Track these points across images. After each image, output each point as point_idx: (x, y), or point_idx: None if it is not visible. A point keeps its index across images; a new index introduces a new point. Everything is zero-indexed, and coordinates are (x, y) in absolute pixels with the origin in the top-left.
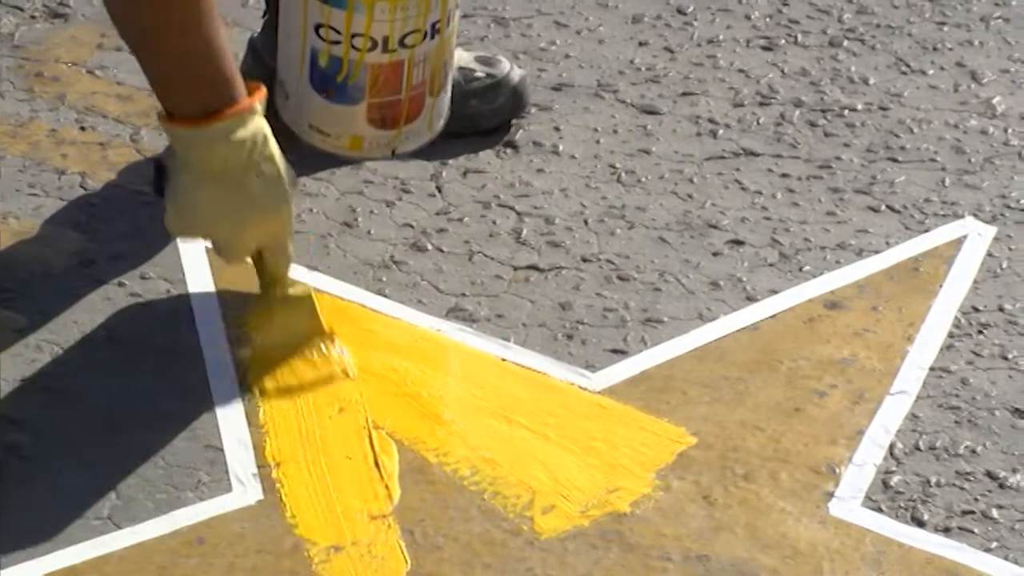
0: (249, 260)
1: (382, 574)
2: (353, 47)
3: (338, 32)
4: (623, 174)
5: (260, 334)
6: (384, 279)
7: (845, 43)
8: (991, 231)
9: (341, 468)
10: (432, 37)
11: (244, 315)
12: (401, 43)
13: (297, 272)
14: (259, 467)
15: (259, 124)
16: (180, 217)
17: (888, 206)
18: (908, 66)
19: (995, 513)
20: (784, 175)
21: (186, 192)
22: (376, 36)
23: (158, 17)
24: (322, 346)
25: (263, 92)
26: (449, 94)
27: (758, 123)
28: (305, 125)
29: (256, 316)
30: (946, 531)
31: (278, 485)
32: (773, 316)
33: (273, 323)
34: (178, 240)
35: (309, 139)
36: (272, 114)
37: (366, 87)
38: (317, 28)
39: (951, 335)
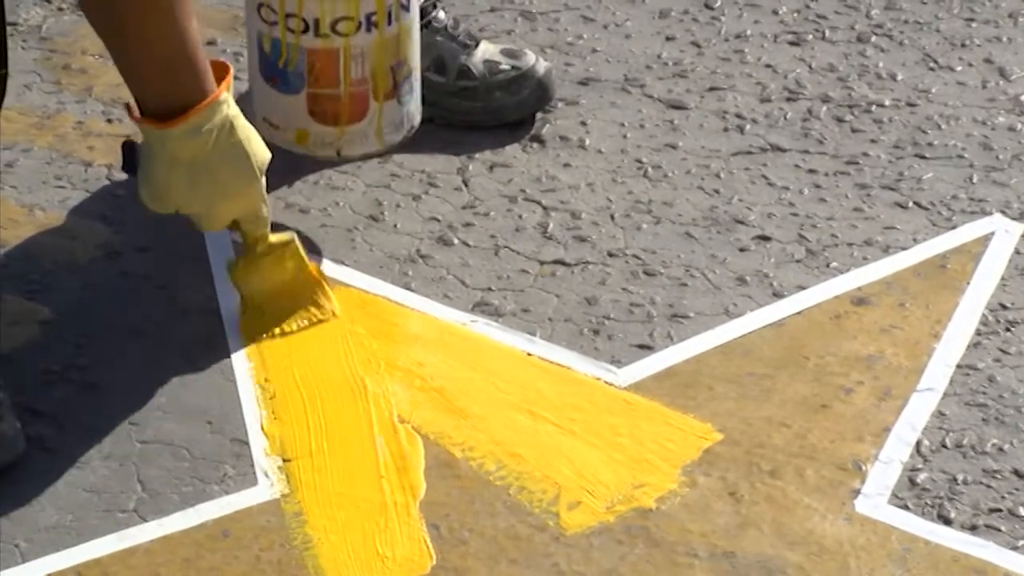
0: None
1: (407, 569)
2: (288, 29)
3: (274, 12)
4: (650, 169)
5: (245, 284)
6: (410, 273)
7: (873, 39)
8: (1019, 228)
9: (365, 462)
10: (368, 30)
11: (228, 267)
12: (333, 29)
13: (323, 265)
14: (285, 460)
15: (225, 112)
16: (152, 197)
17: (915, 202)
18: (936, 62)
19: (1022, 511)
20: (811, 171)
21: (157, 175)
22: (307, 17)
23: (131, 10)
24: (313, 294)
25: (229, 76)
26: (408, 109)
27: (785, 118)
28: (260, 118)
29: (241, 267)
30: (973, 529)
31: (296, 479)
32: (800, 312)
33: (258, 272)
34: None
35: (264, 133)
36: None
37: (305, 74)
38: (259, 8)
39: (978, 332)
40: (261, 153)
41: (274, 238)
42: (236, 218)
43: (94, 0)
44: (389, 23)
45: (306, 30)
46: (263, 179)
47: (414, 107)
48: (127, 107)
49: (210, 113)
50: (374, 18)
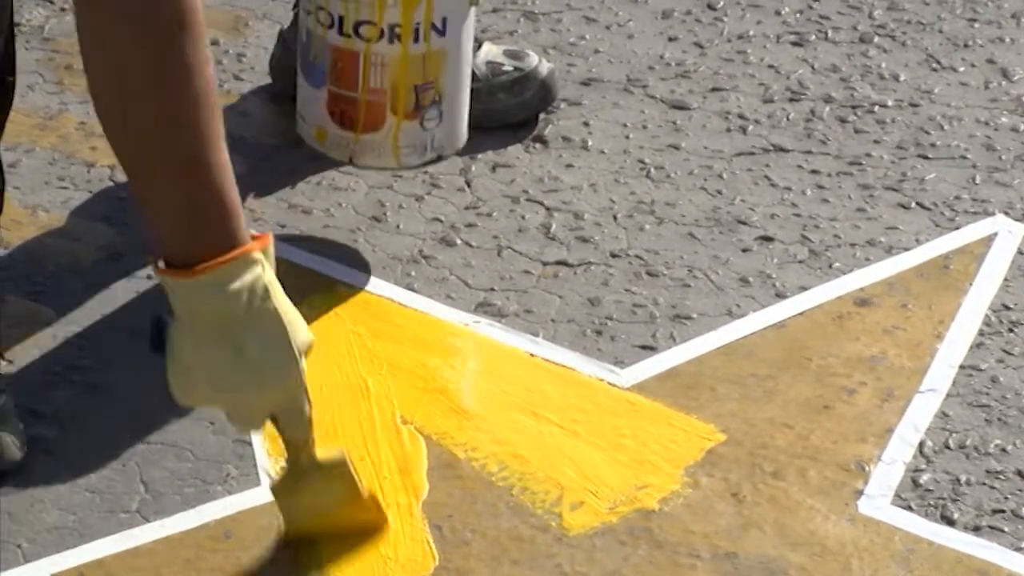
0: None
1: (410, 570)
2: (319, 21)
3: (312, 1)
4: (652, 169)
5: (287, 510)
6: (413, 274)
7: (876, 39)
8: (1022, 229)
9: (368, 462)
10: (391, 41)
11: (272, 489)
12: (356, 31)
13: (326, 266)
14: (288, 461)
15: (258, 274)
16: (177, 384)
17: (918, 203)
18: (939, 63)
19: None
20: (814, 171)
21: (180, 354)
22: (333, 12)
23: (149, 126)
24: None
25: (267, 240)
26: (434, 135)
27: (788, 119)
28: (298, 111)
29: (283, 489)
30: (976, 530)
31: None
32: (802, 313)
33: (303, 496)
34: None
35: (298, 128)
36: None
37: (327, 71)
38: None
39: (981, 333)
40: (302, 334)
41: (322, 453)
42: (273, 413)
43: (109, 116)
44: (416, 40)
45: (331, 25)
46: (303, 367)
47: (443, 136)
48: (149, 262)
49: (239, 268)
50: (398, 30)
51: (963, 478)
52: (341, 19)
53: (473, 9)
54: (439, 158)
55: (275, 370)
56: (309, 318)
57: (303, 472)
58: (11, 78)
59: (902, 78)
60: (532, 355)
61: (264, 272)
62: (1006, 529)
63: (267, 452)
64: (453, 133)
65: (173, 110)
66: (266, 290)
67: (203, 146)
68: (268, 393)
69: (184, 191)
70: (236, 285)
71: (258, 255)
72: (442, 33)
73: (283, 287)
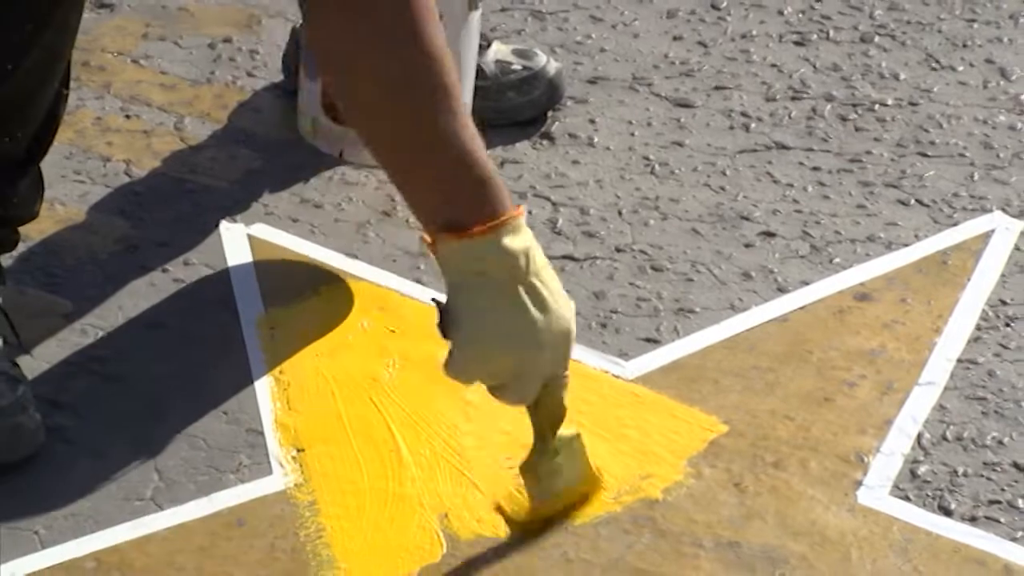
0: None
1: (419, 558)
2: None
3: None
4: (657, 166)
5: (537, 487)
6: (421, 267)
7: (876, 39)
8: (1019, 225)
9: (376, 452)
10: None
11: (521, 469)
12: None
13: (337, 259)
14: (299, 450)
15: (529, 240)
16: (466, 356)
17: (917, 200)
18: (938, 62)
19: (1021, 503)
20: (815, 168)
21: (469, 321)
22: None
23: (420, 130)
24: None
25: (523, 209)
26: None
27: (790, 117)
28: (299, 108)
29: (532, 466)
30: (973, 520)
31: (310, 469)
32: (803, 307)
33: (556, 471)
34: (462, 381)
35: (298, 123)
36: None
37: None
38: None
39: (978, 327)
40: (570, 302)
41: (564, 432)
42: (547, 379)
43: (361, 108)
44: None
45: None
46: (572, 342)
47: None
48: (423, 242)
49: (519, 226)
50: None
51: (960, 470)
52: None
53: (476, 13)
54: None
55: (565, 322)
56: (321, 310)
57: (554, 449)
58: (66, 91)
59: (902, 77)
60: None
61: (532, 238)
62: (1002, 520)
63: (279, 442)
64: None
65: (439, 85)
66: (536, 253)
67: (462, 123)
68: (557, 350)
69: (465, 158)
70: (521, 240)
71: (523, 221)
72: None
73: (295, 279)
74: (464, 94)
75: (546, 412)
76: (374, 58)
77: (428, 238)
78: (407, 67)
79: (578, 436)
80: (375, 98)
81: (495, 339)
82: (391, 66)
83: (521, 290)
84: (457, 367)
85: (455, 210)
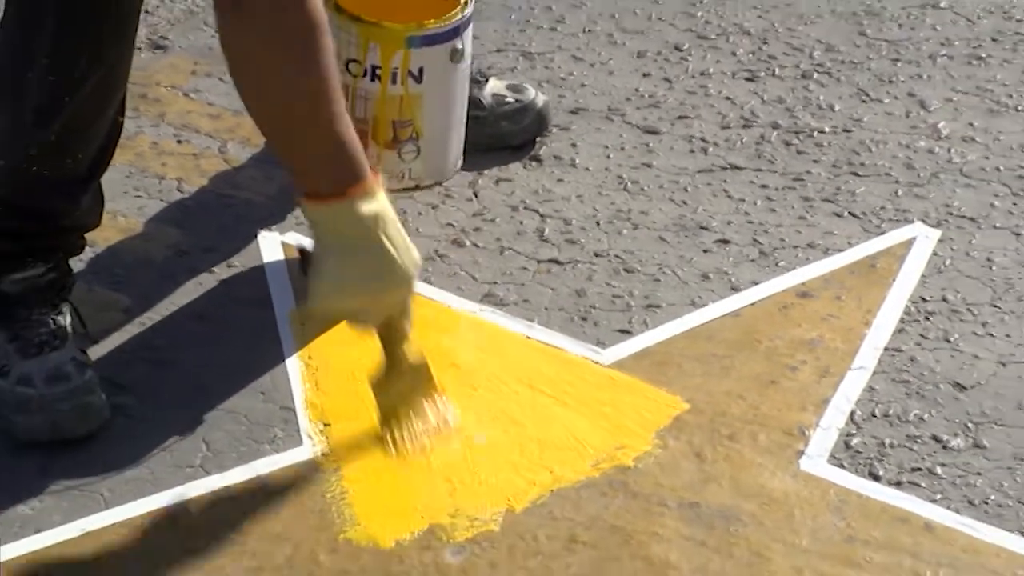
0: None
1: (427, 516)
2: None
3: None
4: (629, 183)
5: (383, 396)
6: (430, 269)
7: (815, 76)
8: (936, 234)
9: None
10: (372, 79)
11: (371, 379)
12: (347, 67)
13: None
14: (325, 425)
15: (382, 204)
16: (322, 293)
17: (850, 212)
18: (868, 95)
19: (939, 470)
20: (763, 186)
21: (325, 267)
22: (335, 47)
23: (304, 114)
24: (435, 402)
25: (379, 177)
26: (412, 167)
27: (742, 142)
28: None
29: (380, 380)
30: (898, 484)
31: (335, 441)
32: (753, 303)
33: (400, 386)
34: (316, 312)
35: None
36: None
37: None
38: None
39: (902, 321)
40: (414, 255)
41: (411, 359)
42: (391, 314)
43: (268, 113)
44: (394, 82)
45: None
46: (414, 285)
47: (420, 168)
48: (296, 199)
49: (373, 191)
50: (378, 71)
51: (887, 441)
52: (338, 52)
53: (462, 64)
54: (417, 187)
55: (405, 269)
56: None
57: (401, 371)
58: (121, 118)
59: (837, 108)
60: (528, 338)
61: (384, 203)
62: (923, 484)
63: (308, 418)
64: (433, 167)
65: (317, 86)
66: (388, 218)
67: (337, 106)
68: (398, 293)
69: (329, 140)
70: (374, 205)
71: (378, 189)
72: (419, 80)
73: None
74: (443, 133)
75: (392, 337)
76: (284, 72)
77: (301, 200)
78: (296, 72)
79: (426, 364)
80: (276, 99)
81: (347, 282)
82: (299, 79)
83: (370, 244)
84: (315, 302)
85: (320, 182)
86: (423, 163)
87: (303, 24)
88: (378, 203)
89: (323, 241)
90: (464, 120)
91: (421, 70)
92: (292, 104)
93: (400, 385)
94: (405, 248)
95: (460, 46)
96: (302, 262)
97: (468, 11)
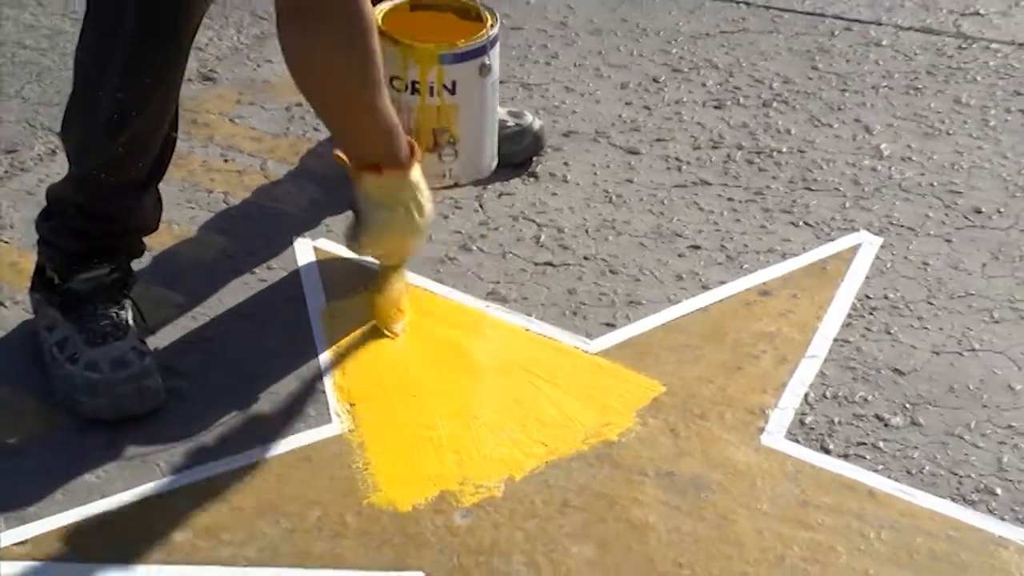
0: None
1: (440, 484)
2: None
3: None
4: (613, 197)
5: (378, 298)
6: (441, 271)
7: (774, 104)
8: (879, 241)
9: (408, 407)
10: (413, 93)
11: (373, 289)
12: (391, 82)
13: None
14: (351, 405)
15: (417, 174)
16: (364, 239)
17: (804, 222)
18: (819, 121)
19: (881, 445)
20: (730, 199)
21: (373, 220)
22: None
23: (368, 101)
24: (397, 322)
25: (418, 150)
26: (451, 168)
27: (711, 161)
28: None
29: (379, 290)
30: (845, 457)
31: (360, 419)
32: (721, 301)
33: (384, 295)
34: (355, 255)
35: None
36: None
37: None
38: None
39: (849, 315)
40: (429, 212)
41: (398, 283)
42: (401, 257)
43: (330, 91)
44: (431, 95)
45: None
46: (425, 237)
47: (459, 168)
48: (349, 170)
49: (409, 168)
50: (417, 86)
51: (836, 420)
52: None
53: (488, 78)
54: (456, 184)
55: (428, 227)
56: (368, 303)
57: (391, 287)
58: (175, 134)
59: (793, 132)
60: (527, 330)
61: (419, 174)
62: (867, 457)
63: (336, 399)
64: (470, 166)
65: (376, 76)
66: (420, 185)
67: (387, 93)
68: (416, 242)
69: (385, 121)
70: (411, 176)
71: (416, 162)
72: (452, 92)
73: (349, 280)
74: (478, 137)
75: (394, 268)
76: (337, 62)
77: (355, 172)
78: (360, 66)
79: (406, 284)
80: (347, 88)
81: (383, 233)
82: (351, 67)
83: (403, 206)
84: (363, 246)
85: (378, 157)
86: (461, 164)
87: (364, 26)
88: (415, 174)
89: (370, 201)
90: (496, 125)
91: (454, 83)
92: (360, 92)
93: (388, 295)
94: (428, 209)
95: (488, 62)
96: (356, 222)
97: (494, 32)
